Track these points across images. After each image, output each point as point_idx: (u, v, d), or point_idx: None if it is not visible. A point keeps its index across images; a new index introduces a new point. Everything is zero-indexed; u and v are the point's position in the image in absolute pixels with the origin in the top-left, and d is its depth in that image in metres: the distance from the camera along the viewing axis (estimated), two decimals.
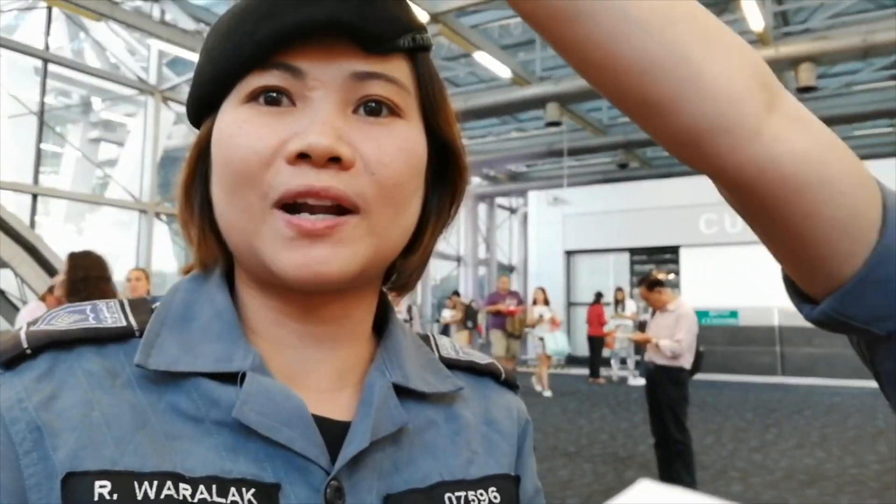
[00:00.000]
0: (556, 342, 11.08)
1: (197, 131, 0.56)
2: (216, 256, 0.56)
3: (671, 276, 13.80)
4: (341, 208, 0.49)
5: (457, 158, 0.59)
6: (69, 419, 0.47)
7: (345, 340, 0.56)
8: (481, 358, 0.67)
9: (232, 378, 0.50)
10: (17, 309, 8.25)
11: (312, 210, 0.49)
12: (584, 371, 13.23)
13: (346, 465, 0.49)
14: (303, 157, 0.48)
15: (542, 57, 11.95)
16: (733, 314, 12.90)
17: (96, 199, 12.84)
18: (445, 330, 14.25)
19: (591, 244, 14.96)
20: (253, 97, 0.50)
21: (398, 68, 0.52)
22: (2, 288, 8.68)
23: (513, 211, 26.39)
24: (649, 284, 5.76)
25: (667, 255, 14.21)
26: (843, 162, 0.46)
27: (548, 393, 10.91)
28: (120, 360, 0.50)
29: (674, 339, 5.38)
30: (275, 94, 0.50)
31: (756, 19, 8.91)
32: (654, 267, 14.23)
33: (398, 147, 0.51)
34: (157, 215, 11.57)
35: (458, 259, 22.59)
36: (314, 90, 0.50)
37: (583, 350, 14.09)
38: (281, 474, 0.48)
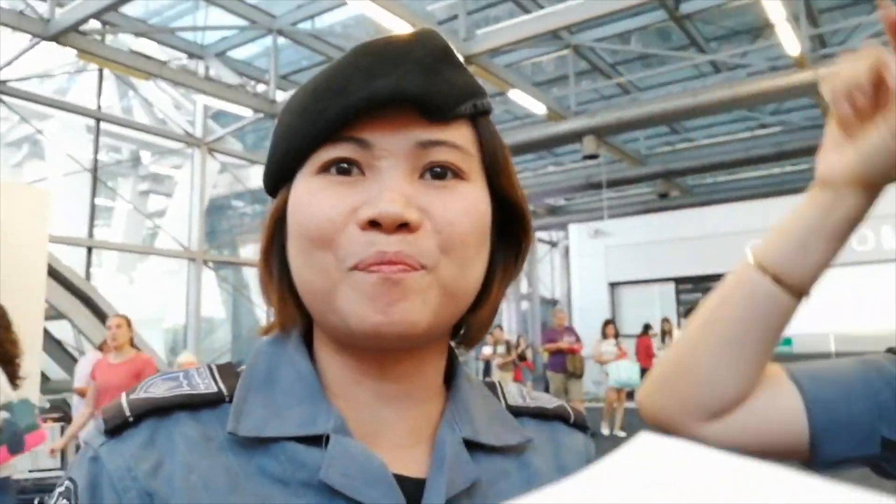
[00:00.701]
0: (620, 371, 9.76)
1: (272, 199, 0.60)
2: (295, 318, 0.59)
3: None
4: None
5: (521, 215, 0.61)
6: (174, 485, 0.49)
7: (417, 397, 0.58)
8: (549, 402, 0.68)
9: (316, 440, 0.52)
10: (73, 359, 8.48)
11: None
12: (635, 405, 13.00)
13: None
14: (373, 223, 0.50)
15: (576, 91, 12.02)
16: (787, 342, 12.56)
17: (146, 249, 13.23)
18: (487, 368, 13.97)
19: (636, 275, 14.79)
20: (325, 168, 0.53)
21: (460, 134, 0.55)
22: (59, 338, 8.94)
23: (553, 244, 26.27)
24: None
25: (712, 284, 13.91)
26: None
27: (620, 433, 9.84)
28: (213, 425, 0.53)
29: None
30: (346, 165, 0.53)
31: (792, 44, 8.86)
32: (700, 296, 13.99)
33: (463, 207, 0.53)
34: (205, 263, 11.83)
35: None
36: (382, 159, 0.52)
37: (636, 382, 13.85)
38: None
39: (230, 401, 0.54)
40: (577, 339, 10.00)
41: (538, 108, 11.26)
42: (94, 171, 10.79)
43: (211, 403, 0.54)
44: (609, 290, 15.22)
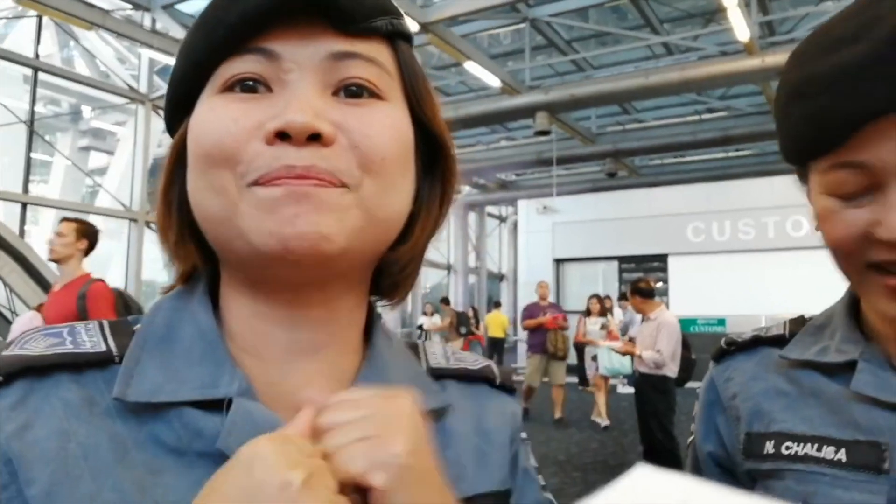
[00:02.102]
0: (612, 359, 8.00)
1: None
2: (195, 263, 0.54)
3: (660, 285, 13.88)
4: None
5: (445, 149, 0.57)
6: (43, 451, 0.44)
7: (331, 350, 0.54)
8: (474, 362, 0.64)
9: (217, 405, 0.47)
10: (7, 321, 8.20)
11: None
12: (576, 378, 13.26)
13: None
14: (281, 136, 0.46)
15: (531, 66, 12.03)
16: (721, 322, 12.97)
17: (86, 207, 12.80)
18: (425, 338, 13.94)
19: (581, 252, 15.02)
20: (229, 87, 0.49)
21: (378, 51, 0.51)
22: None
23: (503, 220, 26.45)
24: (642, 293, 5.81)
25: (655, 264, 14.30)
26: None
27: (604, 422, 8.45)
28: (99, 388, 0.48)
29: (654, 348, 5.44)
30: (251, 83, 0.48)
31: (742, 30, 9.03)
32: (642, 275, 14.32)
33: (382, 123, 0.50)
34: (148, 224, 11.54)
35: (449, 267, 22.59)
36: (291, 72, 0.48)
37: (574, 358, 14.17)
38: None
39: (121, 361, 0.49)
40: (564, 317, 8.79)
41: (493, 80, 11.24)
42: (31, 123, 10.37)
43: (98, 364, 0.49)
44: (554, 266, 15.43)
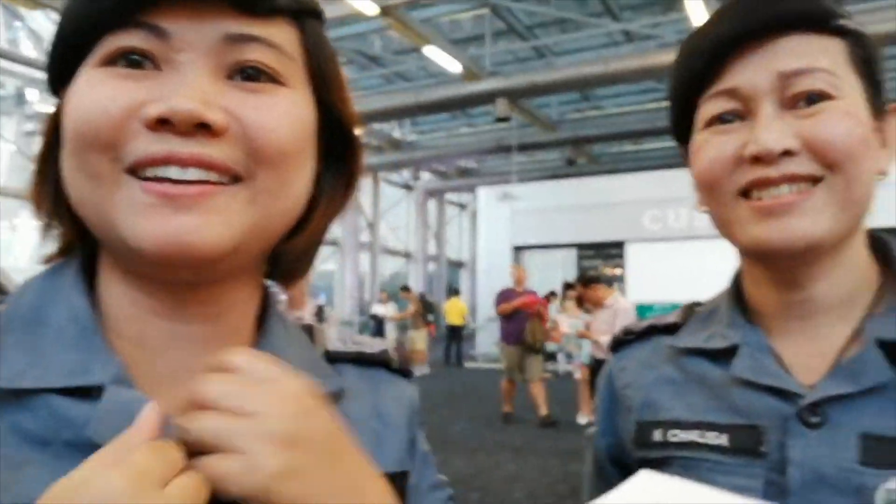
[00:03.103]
0: (581, 346, 7.41)
1: None
2: (71, 243, 0.50)
3: (617, 271, 14.03)
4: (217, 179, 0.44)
5: (351, 135, 0.55)
6: None
7: (221, 342, 0.50)
8: (373, 346, 0.63)
9: (88, 393, 0.44)
10: None
11: (177, 182, 0.43)
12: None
13: None
14: (164, 123, 0.43)
15: (491, 52, 12.00)
16: (650, 309, 13.20)
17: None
18: (380, 328, 13.37)
19: (540, 240, 15.10)
20: (111, 60, 0.45)
21: (280, 33, 0.48)
22: None
23: (462, 207, 26.50)
24: (585, 282, 5.89)
25: (613, 251, 14.44)
26: None
27: (584, 419, 7.37)
28: None
29: (613, 333, 5.49)
30: (136, 57, 0.45)
31: (700, 18, 9.10)
32: (601, 262, 14.45)
33: (280, 112, 0.46)
34: None
35: (407, 255, 22.57)
36: (182, 52, 0.45)
37: None
38: None
39: None
40: (543, 302, 7.83)
41: (453, 66, 11.18)
42: None
43: None
44: (514, 253, 15.49)
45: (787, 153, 0.60)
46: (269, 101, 0.46)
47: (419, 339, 12.78)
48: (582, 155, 16.75)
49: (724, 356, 0.69)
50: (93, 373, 0.44)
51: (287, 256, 0.54)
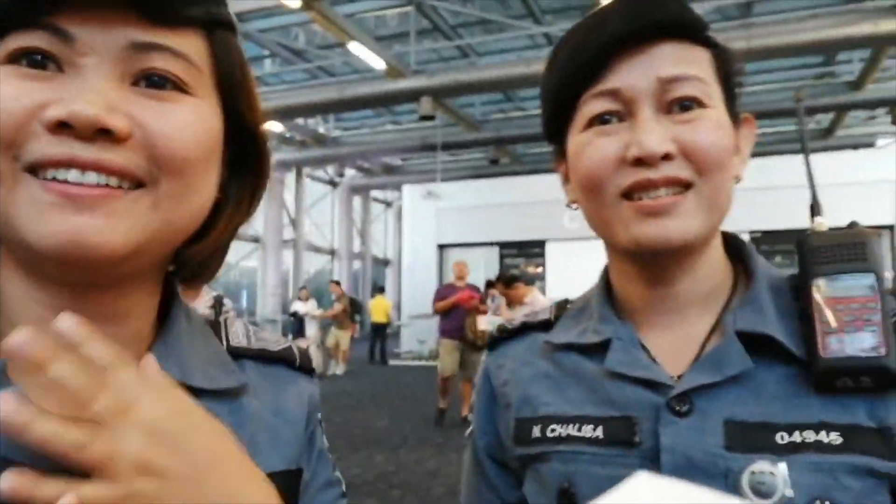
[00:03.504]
0: None
1: None
2: None
3: (539, 270, 14.30)
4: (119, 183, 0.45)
5: (258, 146, 0.56)
6: None
7: (123, 343, 0.49)
8: (276, 343, 0.64)
9: None
10: None
11: (77, 185, 0.43)
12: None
13: None
14: (65, 126, 0.43)
15: (416, 50, 12.01)
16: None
17: None
18: (300, 327, 12.54)
19: (464, 238, 15.24)
20: (14, 58, 0.45)
21: (188, 43, 0.48)
22: None
23: (388, 204, 26.42)
24: (506, 282, 5.98)
25: (534, 250, 14.72)
26: None
27: None
28: None
29: None
30: (39, 58, 0.44)
31: None
32: (522, 260, 14.70)
33: (184, 120, 0.47)
34: None
35: (332, 252, 22.33)
36: (86, 56, 0.45)
37: None
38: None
39: None
40: (481, 299, 7.66)
41: (377, 63, 11.13)
42: None
43: None
44: (438, 251, 15.57)
45: (666, 157, 0.62)
46: (172, 109, 0.47)
47: (344, 339, 12.47)
48: (505, 155, 16.98)
49: (596, 350, 0.71)
50: None
51: (192, 261, 0.55)
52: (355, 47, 10.60)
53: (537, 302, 5.82)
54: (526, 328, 0.80)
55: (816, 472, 0.59)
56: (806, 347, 0.63)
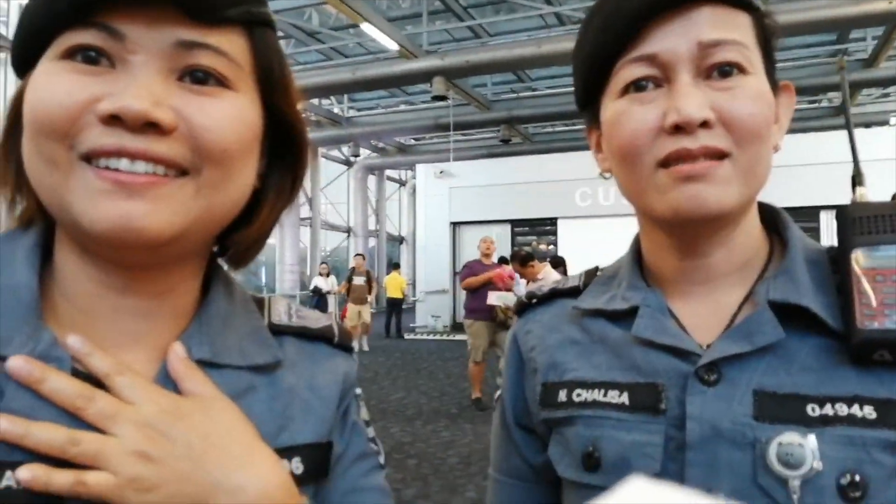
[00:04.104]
0: None
1: None
2: (32, 217, 0.54)
3: (550, 247, 14.42)
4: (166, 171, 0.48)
5: (297, 137, 0.59)
6: None
7: (165, 316, 0.54)
8: (317, 321, 0.66)
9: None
10: None
11: (127, 173, 0.46)
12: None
13: None
14: (116, 119, 0.45)
15: (428, 31, 12.08)
16: None
17: None
18: (320, 303, 12.46)
19: (476, 216, 15.35)
20: (69, 55, 0.47)
21: (229, 41, 0.50)
22: None
23: (402, 183, 26.47)
24: (521, 260, 6.06)
25: (546, 227, 14.83)
26: None
27: None
28: None
29: None
30: (93, 54, 0.47)
31: None
32: (535, 238, 14.82)
33: (225, 114, 0.50)
34: None
35: (349, 230, 22.49)
36: (135, 54, 0.47)
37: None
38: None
39: None
40: (511, 276, 7.20)
41: (389, 43, 11.21)
42: None
43: None
44: (451, 229, 15.73)
45: (704, 124, 0.60)
46: (214, 103, 0.49)
47: (365, 311, 12.24)
48: (516, 134, 17.04)
49: (624, 317, 0.70)
50: (12, 345, 0.47)
51: (238, 247, 0.59)
52: (368, 28, 10.68)
53: (548, 277, 5.93)
54: (555, 295, 0.80)
55: (848, 446, 0.57)
56: (842, 319, 0.61)
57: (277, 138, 0.58)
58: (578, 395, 0.70)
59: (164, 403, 0.49)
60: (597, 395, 0.68)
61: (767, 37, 0.65)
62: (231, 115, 0.50)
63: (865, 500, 0.56)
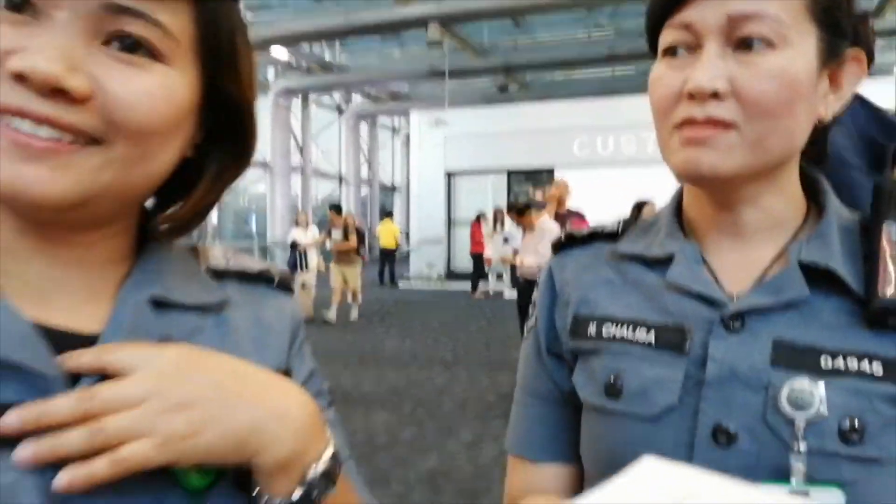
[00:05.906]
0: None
1: None
2: None
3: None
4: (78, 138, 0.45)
5: (243, 118, 0.56)
6: None
7: (97, 262, 0.53)
8: (254, 265, 0.66)
9: None
10: None
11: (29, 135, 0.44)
12: (466, 286, 13.74)
13: None
14: (24, 78, 0.43)
15: None
16: None
17: None
18: (299, 259, 10.03)
19: (472, 165, 15.27)
20: None
21: (169, 11, 0.47)
22: None
23: (395, 131, 26.24)
24: (518, 211, 6.08)
25: (542, 176, 14.76)
26: None
27: None
28: None
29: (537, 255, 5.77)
30: (18, 1, 0.44)
31: None
32: (531, 187, 14.77)
33: (147, 89, 0.47)
34: None
35: (340, 178, 22.36)
36: (60, 10, 0.44)
37: (464, 266, 14.63)
38: (11, 395, 0.44)
39: None
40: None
41: None
42: None
43: None
44: (446, 178, 15.64)
45: (715, 95, 0.63)
46: (139, 76, 0.46)
47: (352, 275, 9.99)
48: (513, 82, 16.82)
49: (660, 264, 0.74)
50: None
51: (172, 226, 0.57)
52: None
53: (545, 226, 5.95)
54: (593, 237, 0.83)
55: (853, 396, 0.62)
56: (865, 285, 0.65)
57: (221, 115, 0.55)
58: (607, 329, 0.74)
59: (170, 354, 0.48)
60: (625, 331, 0.73)
61: (828, 6, 0.65)
62: (154, 91, 0.47)
63: (862, 444, 0.61)
